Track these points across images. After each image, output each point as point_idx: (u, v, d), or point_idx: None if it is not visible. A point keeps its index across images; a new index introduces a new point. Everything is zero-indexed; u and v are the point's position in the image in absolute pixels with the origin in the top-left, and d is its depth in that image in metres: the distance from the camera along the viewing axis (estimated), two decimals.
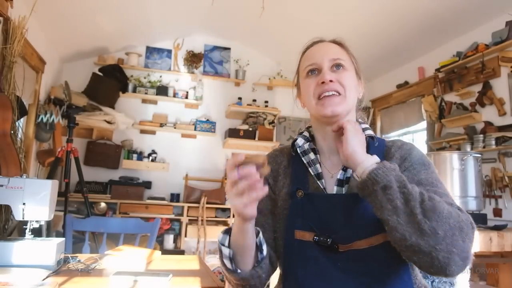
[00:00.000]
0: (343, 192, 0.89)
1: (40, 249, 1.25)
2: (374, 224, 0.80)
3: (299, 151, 0.96)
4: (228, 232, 0.85)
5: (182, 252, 3.86)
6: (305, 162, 0.95)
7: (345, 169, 0.91)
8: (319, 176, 0.92)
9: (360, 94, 0.98)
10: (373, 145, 0.91)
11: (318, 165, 0.94)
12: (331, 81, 0.88)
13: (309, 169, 0.93)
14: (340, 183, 0.90)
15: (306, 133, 1.02)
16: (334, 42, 0.98)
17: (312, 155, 0.96)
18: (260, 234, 0.84)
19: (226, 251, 0.83)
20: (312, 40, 1.00)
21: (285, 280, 0.89)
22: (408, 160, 0.87)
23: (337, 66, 0.91)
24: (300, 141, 0.98)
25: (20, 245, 1.24)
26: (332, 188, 0.90)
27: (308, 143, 0.98)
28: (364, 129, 0.93)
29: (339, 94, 0.89)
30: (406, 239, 0.70)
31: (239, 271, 0.83)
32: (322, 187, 0.90)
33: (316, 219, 0.86)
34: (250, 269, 0.83)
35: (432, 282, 0.97)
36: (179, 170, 4.37)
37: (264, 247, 0.84)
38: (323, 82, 0.89)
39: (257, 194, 0.72)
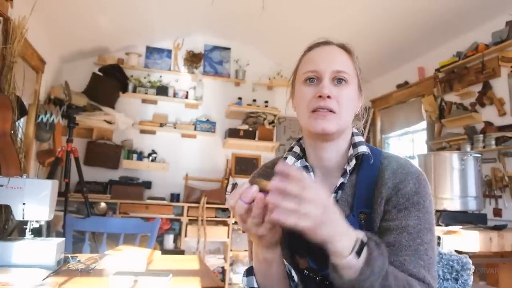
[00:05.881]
0: None
1: (40, 249, 1.25)
2: None
3: None
4: (251, 272, 0.79)
5: (182, 252, 3.86)
6: None
7: (336, 191, 0.86)
8: None
9: (358, 109, 0.91)
10: (368, 163, 0.85)
11: None
12: (328, 97, 0.81)
13: None
14: None
15: (296, 148, 0.94)
16: (342, 47, 0.89)
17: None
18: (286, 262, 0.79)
19: None
20: (318, 40, 0.91)
21: None
22: (401, 195, 0.80)
23: (339, 80, 0.84)
24: (290, 160, 0.91)
25: (20, 245, 1.24)
26: None
27: (299, 160, 0.91)
28: (357, 143, 0.87)
29: (334, 112, 0.82)
30: None
31: None
32: None
33: (305, 249, 0.81)
34: None
35: None
36: (179, 170, 4.36)
37: (294, 274, 0.79)
38: (320, 96, 0.82)
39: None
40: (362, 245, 0.65)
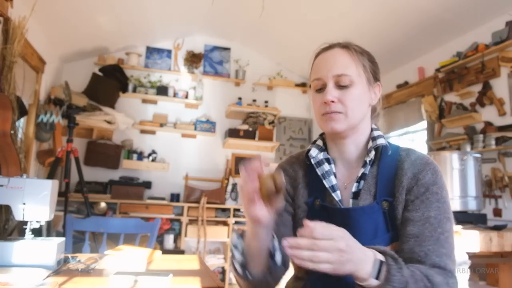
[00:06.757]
0: (358, 204, 0.89)
1: (40, 249, 1.25)
2: (384, 236, 0.84)
3: (313, 162, 0.97)
4: (242, 235, 0.86)
5: (182, 252, 3.86)
6: (319, 173, 0.95)
7: (359, 180, 0.92)
8: (333, 188, 0.93)
9: (373, 101, 0.96)
10: (387, 155, 0.92)
11: (332, 177, 0.94)
12: (332, 101, 0.89)
13: (324, 181, 0.94)
14: (355, 195, 0.91)
15: (320, 142, 1.01)
16: (344, 47, 0.94)
17: (326, 166, 0.96)
18: (275, 242, 0.84)
19: (238, 256, 0.85)
20: (322, 45, 0.98)
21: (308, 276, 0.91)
22: (421, 184, 0.86)
23: (342, 85, 0.90)
24: (313, 151, 0.98)
25: (20, 245, 1.24)
26: (348, 200, 0.92)
27: (322, 152, 0.98)
28: (376, 137, 0.93)
29: (340, 112, 0.89)
30: None
31: (249, 277, 0.84)
32: (337, 199, 0.91)
33: None
34: (260, 276, 0.84)
35: None
36: (179, 170, 4.36)
37: (278, 255, 0.84)
38: (325, 102, 0.90)
39: (251, 194, 0.74)
40: (381, 265, 0.71)
